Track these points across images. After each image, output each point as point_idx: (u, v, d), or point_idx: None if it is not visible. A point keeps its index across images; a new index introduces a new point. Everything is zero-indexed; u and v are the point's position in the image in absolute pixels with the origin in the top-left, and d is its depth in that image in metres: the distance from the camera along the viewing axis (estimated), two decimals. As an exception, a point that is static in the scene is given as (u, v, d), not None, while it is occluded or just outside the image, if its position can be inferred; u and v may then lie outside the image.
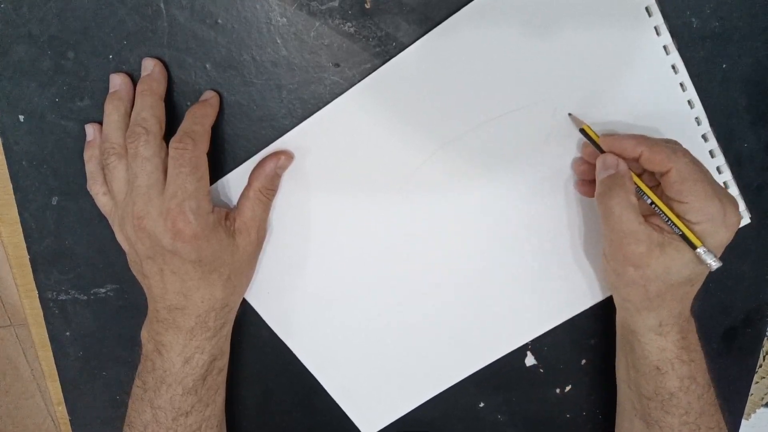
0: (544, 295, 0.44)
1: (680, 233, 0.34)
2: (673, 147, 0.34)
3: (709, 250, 0.34)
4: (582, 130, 0.37)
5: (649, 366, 0.38)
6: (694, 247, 0.34)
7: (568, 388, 0.48)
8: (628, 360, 0.41)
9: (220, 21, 0.35)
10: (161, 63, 0.36)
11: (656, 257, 0.34)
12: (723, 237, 0.34)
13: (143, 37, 0.35)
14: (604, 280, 0.43)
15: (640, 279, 0.35)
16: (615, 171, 0.35)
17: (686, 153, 0.34)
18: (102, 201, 0.37)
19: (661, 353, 0.38)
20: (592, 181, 0.38)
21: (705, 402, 0.39)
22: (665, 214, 0.34)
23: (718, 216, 0.33)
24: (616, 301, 0.40)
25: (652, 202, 0.35)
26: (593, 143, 0.37)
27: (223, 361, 0.40)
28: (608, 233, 0.36)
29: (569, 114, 0.38)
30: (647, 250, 0.34)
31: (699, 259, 0.34)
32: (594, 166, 0.37)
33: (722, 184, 0.41)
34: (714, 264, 0.34)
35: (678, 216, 0.34)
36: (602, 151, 0.37)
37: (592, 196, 0.37)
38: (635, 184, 0.35)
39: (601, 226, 0.37)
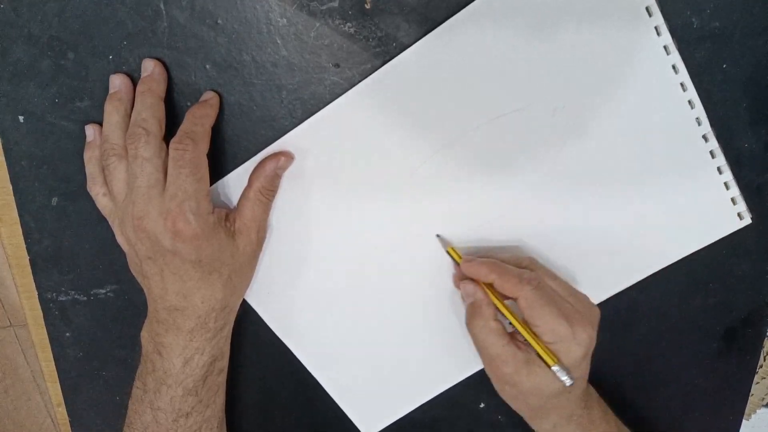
0: (544, 296, 0.44)
1: (536, 353, 0.36)
2: (521, 274, 0.36)
3: (563, 368, 0.36)
4: (448, 252, 0.40)
5: None
6: (548, 365, 0.36)
7: (568, 389, 0.48)
8: None
9: (220, 21, 0.35)
10: (161, 63, 0.36)
11: (525, 375, 0.36)
12: (576, 353, 0.36)
13: (143, 37, 0.35)
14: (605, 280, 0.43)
15: (519, 395, 0.38)
16: (473, 299, 0.38)
17: (532, 280, 0.36)
18: (102, 202, 0.37)
19: None
20: None
21: None
22: (522, 336, 0.36)
23: (568, 336, 0.35)
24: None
25: (511, 323, 0.37)
26: (458, 265, 0.39)
27: (224, 362, 0.40)
28: (480, 355, 0.38)
29: (437, 235, 0.40)
30: (515, 370, 0.36)
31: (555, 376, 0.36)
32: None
33: (723, 185, 0.41)
34: (567, 381, 0.36)
35: (535, 336, 0.36)
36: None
37: None
38: (496, 306, 0.37)
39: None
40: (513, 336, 0.37)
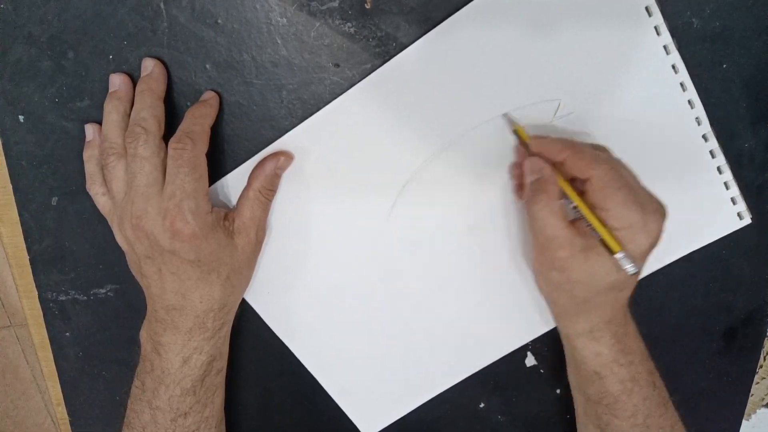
0: (544, 296, 0.44)
1: (600, 238, 0.34)
2: (596, 154, 0.35)
3: (628, 256, 0.33)
4: (515, 131, 0.38)
5: (589, 371, 0.39)
6: (612, 252, 0.34)
7: (568, 389, 0.48)
8: (572, 366, 0.41)
9: (220, 21, 0.35)
10: (161, 63, 0.36)
11: (579, 262, 0.34)
12: (643, 243, 0.34)
13: (143, 37, 0.35)
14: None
15: (565, 283, 0.35)
16: (540, 175, 0.36)
17: (609, 160, 0.34)
18: (101, 201, 0.37)
19: (597, 358, 0.38)
20: None
21: (652, 403, 0.39)
22: (587, 219, 0.35)
23: (638, 223, 0.33)
24: (548, 306, 0.40)
25: (576, 206, 0.35)
26: (525, 145, 0.37)
27: (222, 362, 0.40)
28: (533, 237, 0.36)
29: (504, 114, 0.38)
30: (570, 255, 0.34)
31: (618, 265, 0.34)
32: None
33: (723, 184, 0.41)
34: (630, 269, 0.34)
35: (600, 222, 0.34)
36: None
37: None
38: (561, 188, 0.35)
39: (528, 230, 0.37)
40: (573, 223, 0.35)
